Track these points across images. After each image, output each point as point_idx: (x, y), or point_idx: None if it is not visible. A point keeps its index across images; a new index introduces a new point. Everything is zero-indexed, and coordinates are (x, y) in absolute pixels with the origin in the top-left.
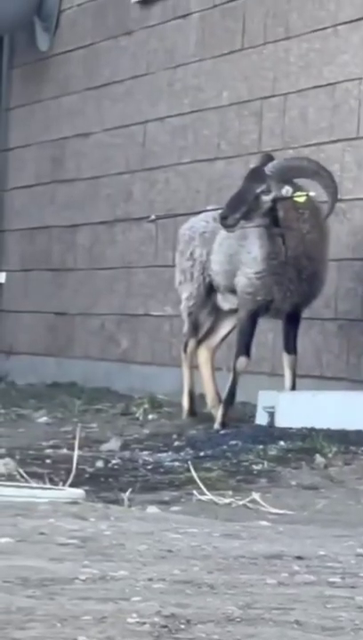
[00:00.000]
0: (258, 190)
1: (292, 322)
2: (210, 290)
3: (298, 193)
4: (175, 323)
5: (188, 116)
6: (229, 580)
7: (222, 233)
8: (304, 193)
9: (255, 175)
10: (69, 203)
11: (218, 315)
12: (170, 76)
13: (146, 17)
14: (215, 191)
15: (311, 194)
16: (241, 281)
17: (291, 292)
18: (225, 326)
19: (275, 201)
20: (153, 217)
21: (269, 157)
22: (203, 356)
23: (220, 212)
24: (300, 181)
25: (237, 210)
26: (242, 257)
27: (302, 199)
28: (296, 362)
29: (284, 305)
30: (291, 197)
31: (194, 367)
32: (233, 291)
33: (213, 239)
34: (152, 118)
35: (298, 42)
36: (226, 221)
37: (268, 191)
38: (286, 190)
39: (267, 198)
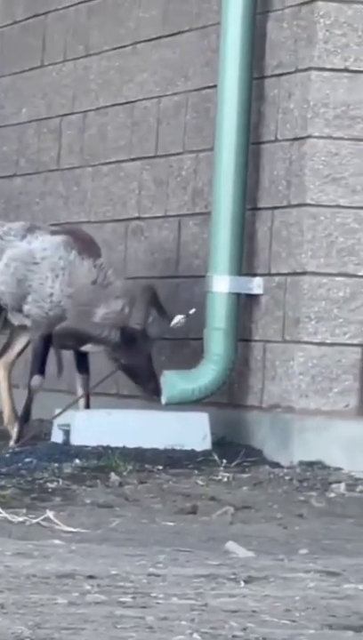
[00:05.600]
0: None
1: None
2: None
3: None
4: None
5: None
6: (20, 600)
7: (9, 252)
8: (182, 316)
9: None
10: None
11: (13, 330)
12: None
13: None
14: (14, 208)
15: (191, 311)
16: (34, 309)
17: None
18: (20, 342)
19: None
20: None
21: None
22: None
23: None
24: None
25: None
26: (34, 284)
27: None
28: (88, 381)
29: None
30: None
31: None
32: (21, 310)
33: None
34: None
35: (98, 59)
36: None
37: None
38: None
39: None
